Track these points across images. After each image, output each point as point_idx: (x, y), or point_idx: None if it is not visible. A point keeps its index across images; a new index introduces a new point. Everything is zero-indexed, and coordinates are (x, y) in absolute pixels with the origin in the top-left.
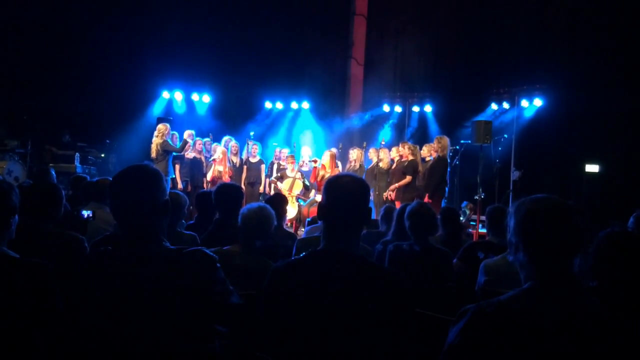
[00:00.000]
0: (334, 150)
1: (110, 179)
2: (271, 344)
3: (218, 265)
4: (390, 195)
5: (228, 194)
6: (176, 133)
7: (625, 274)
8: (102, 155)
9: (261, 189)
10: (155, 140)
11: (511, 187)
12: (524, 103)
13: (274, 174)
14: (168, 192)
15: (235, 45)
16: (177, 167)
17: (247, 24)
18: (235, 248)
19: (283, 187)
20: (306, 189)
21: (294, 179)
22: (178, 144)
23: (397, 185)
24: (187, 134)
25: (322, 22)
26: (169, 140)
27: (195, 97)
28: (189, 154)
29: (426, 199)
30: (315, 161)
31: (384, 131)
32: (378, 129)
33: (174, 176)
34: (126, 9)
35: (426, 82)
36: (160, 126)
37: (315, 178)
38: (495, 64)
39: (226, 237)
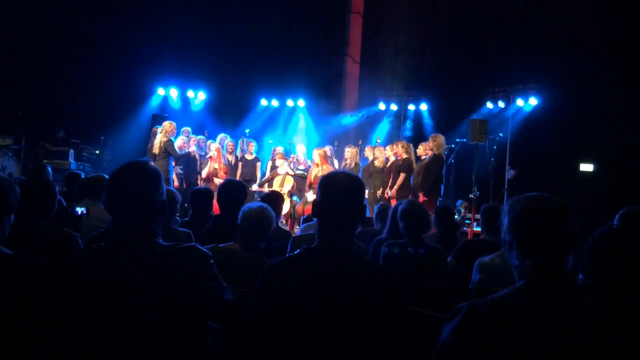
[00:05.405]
0: (324, 148)
1: (105, 176)
2: (265, 340)
3: (212, 261)
4: (387, 194)
5: (232, 191)
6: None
7: (621, 271)
8: (97, 151)
9: (255, 187)
10: (160, 137)
11: (506, 186)
12: (519, 102)
13: (268, 173)
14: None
15: (230, 43)
16: (174, 165)
17: (243, 21)
18: (234, 245)
19: (274, 184)
20: (301, 178)
21: (285, 175)
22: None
23: (397, 186)
24: (191, 142)
25: (318, 20)
26: (174, 140)
27: (190, 94)
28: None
29: (421, 198)
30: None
31: (382, 127)
32: (374, 126)
33: (173, 175)
34: (121, 5)
35: (422, 81)
36: (166, 124)
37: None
38: (490, 63)
39: (225, 234)
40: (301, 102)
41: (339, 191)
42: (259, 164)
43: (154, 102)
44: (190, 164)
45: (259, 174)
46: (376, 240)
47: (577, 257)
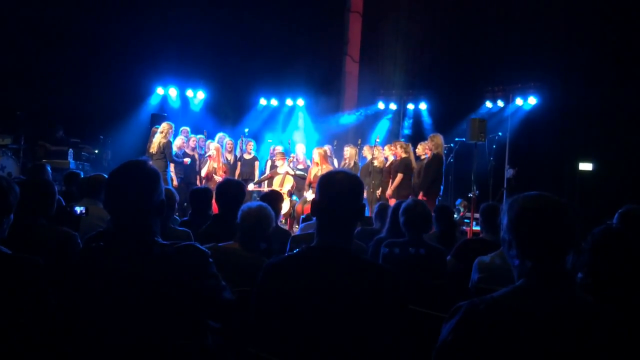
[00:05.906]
0: (324, 147)
1: (105, 175)
2: (264, 339)
3: (211, 260)
4: (387, 195)
5: (230, 190)
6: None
7: (620, 270)
8: (96, 151)
9: (251, 186)
10: (159, 137)
11: (505, 185)
12: (519, 101)
13: (267, 172)
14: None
15: (230, 42)
16: (172, 164)
17: (242, 20)
18: (234, 244)
19: (274, 184)
20: (301, 178)
21: (285, 174)
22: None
23: (393, 186)
24: (191, 142)
25: (317, 19)
26: (172, 142)
27: (189, 93)
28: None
29: (421, 197)
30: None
31: (381, 126)
32: (373, 126)
33: (172, 174)
34: (120, 5)
35: (421, 80)
36: (164, 125)
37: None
38: (490, 62)
39: (224, 233)
40: (300, 101)
41: (338, 190)
42: (257, 163)
43: (153, 101)
44: (189, 164)
45: (257, 173)
46: (375, 240)
47: (576, 256)
